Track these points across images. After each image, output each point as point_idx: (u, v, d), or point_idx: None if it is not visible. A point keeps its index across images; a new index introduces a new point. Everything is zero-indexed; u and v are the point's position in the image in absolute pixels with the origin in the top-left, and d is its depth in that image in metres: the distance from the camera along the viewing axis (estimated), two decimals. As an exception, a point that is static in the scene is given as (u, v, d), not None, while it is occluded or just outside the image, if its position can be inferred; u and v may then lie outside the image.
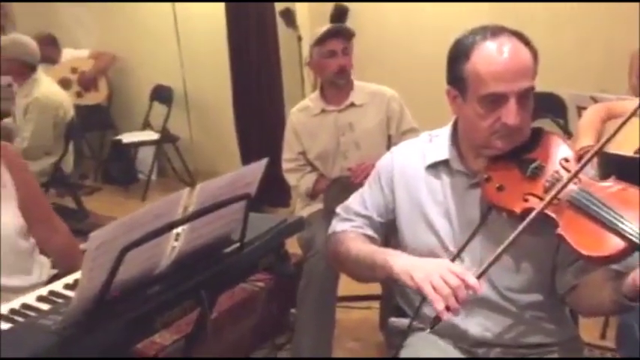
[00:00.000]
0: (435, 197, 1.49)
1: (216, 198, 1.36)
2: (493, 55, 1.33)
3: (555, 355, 1.48)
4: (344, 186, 2.48)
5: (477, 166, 1.45)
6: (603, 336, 2.62)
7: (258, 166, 1.46)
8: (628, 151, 2.17)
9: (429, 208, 1.49)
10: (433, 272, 1.27)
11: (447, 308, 1.24)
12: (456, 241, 1.46)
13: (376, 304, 2.90)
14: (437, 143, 1.53)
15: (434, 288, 1.25)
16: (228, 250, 1.54)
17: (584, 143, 2.23)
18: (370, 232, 1.58)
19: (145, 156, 5.32)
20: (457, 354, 1.49)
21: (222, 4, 4.20)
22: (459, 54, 1.39)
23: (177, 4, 4.98)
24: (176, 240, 1.38)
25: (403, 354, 1.52)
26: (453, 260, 1.44)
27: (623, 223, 1.19)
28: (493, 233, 1.40)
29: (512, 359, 1.46)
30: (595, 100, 2.56)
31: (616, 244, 1.19)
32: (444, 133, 1.53)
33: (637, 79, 3.08)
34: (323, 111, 2.69)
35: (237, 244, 1.55)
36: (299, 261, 2.73)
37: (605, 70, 3.45)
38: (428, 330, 1.36)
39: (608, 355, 2.54)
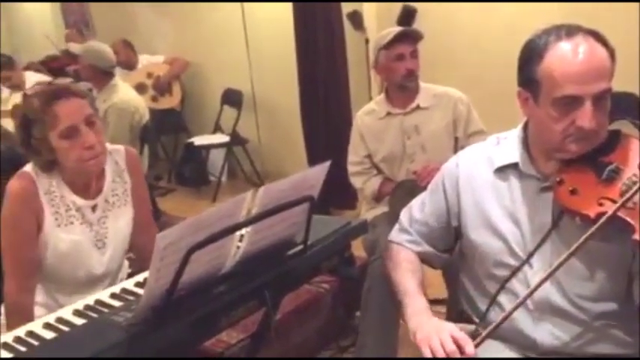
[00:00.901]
0: (503, 201, 1.46)
1: (279, 200, 1.39)
2: (568, 56, 1.29)
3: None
4: (409, 189, 2.46)
5: (549, 169, 1.41)
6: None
7: (322, 169, 1.48)
8: None
9: (496, 213, 1.46)
10: (433, 334, 1.30)
11: None
12: (525, 246, 1.42)
13: (442, 309, 2.84)
14: (505, 146, 1.49)
15: (430, 349, 1.28)
16: (291, 252, 1.57)
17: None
18: (423, 248, 1.59)
19: (216, 158, 5.45)
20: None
21: (289, 7, 4.25)
22: (531, 55, 1.35)
23: (246, 7, 5.08)
24: (240, 241, 1.41)
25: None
26: (521, 266, 1.42)
27: None
28: (565, 238, 1.36)
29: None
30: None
31: None
32: (513, 135, 1.50)
33: None
34: (389, 114, 2.68)
35: (301, 246, 1.57)
36: (364, 263, 2.73)
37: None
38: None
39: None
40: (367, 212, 2.75)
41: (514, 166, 1.45)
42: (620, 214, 1.24)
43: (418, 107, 2.65)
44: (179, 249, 1.19)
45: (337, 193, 3.79)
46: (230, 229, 1.28)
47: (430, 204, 1.59)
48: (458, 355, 1.26)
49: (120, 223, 1.85)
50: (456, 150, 2.63)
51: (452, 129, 2.65)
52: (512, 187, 1.45)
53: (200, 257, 1.24)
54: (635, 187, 1.24)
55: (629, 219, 1.24)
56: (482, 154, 1.53)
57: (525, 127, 1.48)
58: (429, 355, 1.28)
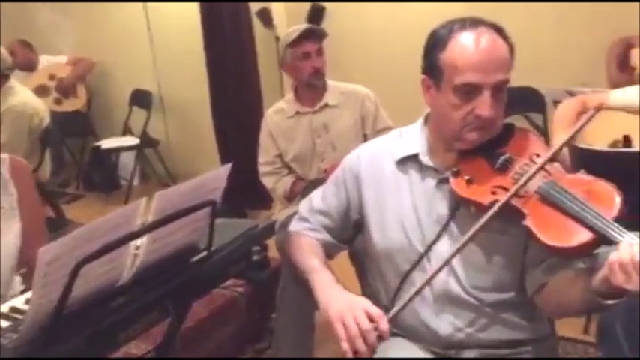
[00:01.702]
0: (403, 194, 1.47)
1: (178, 206, 1.33)
2: (470, 45, 1.32)
3: (528, 355, 1.45)
4: None
5: (448, 161, 1.43)
6: (586, 331, 2.61)
7: (223, 171, 1.44)
8: (602, 145, 2.17)
9: (397, 206, 1.47)
10: (347, 312, 1.28)
11: (355, 350, 1.24)
12: (424, 238, 1.44)
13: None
14: (406, 139, 1.51)
15: (344, 327, 1.25)
16: (195, 258, 1.51)
17: (558, 139, 2.21)
18: (323, 236, 1.58)
19: (127, 162, 5.27)
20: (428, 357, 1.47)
21: (195, 5, 4.16)
22: (435, 43, 1.37)
23: (150, 5, 4.94)
24: (138, 250, 1.35)
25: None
26: (420, 259, 1.44)
27: (590, 214, 1.18)
28: (463, 230, 1.37)
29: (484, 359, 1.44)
30: (571, 94, 2.55)
31: (582, 235, 1.18)
32: (414, 128, 1.52)
33: (614, 72, 3.08)
34: (297, 113, 2.66)
35: (205, 253, 1.52)
36: (278, 265, 2.71)
37: (586, 64, 3.43)
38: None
39: (591, 350, 2.53)
40: (279, 212, 2.73)
41: (414, 159, 1.47)
42: (512, 202, 1.27)
43: (327, 105, 2.65)
44: (66, 263, 1.11)
45: (252, 193, 3.74)
46: (123, 239, 1.21)
47: (331, 196, 1.58)
48: (373, 333, 1.25)
49: (7, 237, 1.73)
50: (365, 147, 2.65)
51: (360, 126, 2.66)
52: (412, 180, 1.47)
53: (92, 270, 1.17)
54: (525, 177, 1.27)
55: (520, 206, 1.27)
56: (384, 147, 1.54)
57: (426, 120, 1.50)
58: (343, 334, 1.26)
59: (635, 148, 2.11)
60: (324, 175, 2.52)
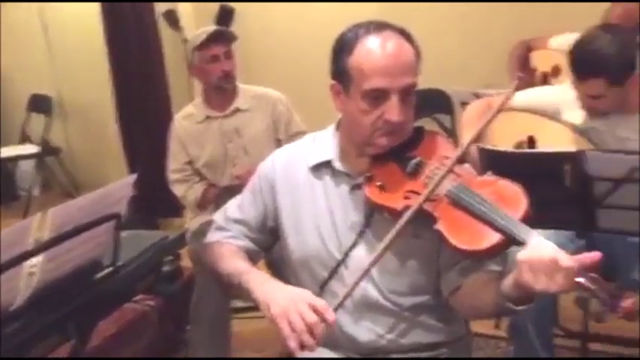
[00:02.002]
0: (318, 200, 1.45)
1: (77, 221, 1.24)
2: (376, 50, 1.31)
3: (445, 356, 1.46)
4: (235, 194, 2.36)
5: (360, 166, 1.41)
6: (497, 326, 2.68)
7: (127, 183, 1.36)
8: (508, 146, 2.22)
9: (313, 212, 1.45)
10: (291, 307, 1.22)
11: (302, 346, 1.20)
12: (341, 245, 1.42)
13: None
14: (320, 144, 1.49)
15: (289, 323, 1.21)
16: (100, 275, 1.42)
17: (465, 140, 2.26)
18: (244, 242, 1.53)
19: (26, 171, 4.97)
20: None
21: (95, 6, 3.97)
22: (342, 47, 1.35)
23: (46, 7, 4.69)
24: (33, 269, 1.24)
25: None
26: (337, 266, 1.41)
27: (498, 216, 1.19)
28: (378, 236, 1.36)
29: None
30: (477, 96, 2.62)
31: (492, 237, 1.18)
32: (327, 133, 1.50)
33: (516, 75, 3.18)
34: (207, 117, 2.59)
35: (111, 268, 1.43)
36: (192, 274, 2.62)
37: (490, 66, 3.55)
38: None
39: (502, 344, 2.60)
40: (192, 221, 2.64)
41: (328, 165, 1.45)
42: (424, 206, 1.27)
43: (237, 110, 2.59)
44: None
45: (163, 201, 3.60)
46: (14, 260, 1.11)
47: (248, 205, 1.54)
48: (320, 325, 1.21)
49: None
50: (278, 152, 2.61)
51: (273, 131, 2.62)
52: (327, 186, 1.45)
53: (-22, 295, 1.06)
54: (435, 180, 1.27)
55: (431, 210, 1.27)
56: (298, 153, 1.51)
57: (339, 125, 1.48)
58: (288, 331, 1.20)
59: (539, 149, 2.18)
60: (236, 181, 2.45)
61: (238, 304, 2.63)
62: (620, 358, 2.43)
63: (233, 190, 2.44)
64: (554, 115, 2.19)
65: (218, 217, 1.61)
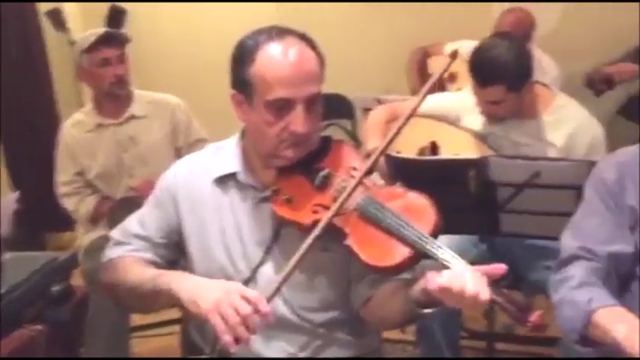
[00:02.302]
0: (225, 214, 1.38)
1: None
2: (279, 58, 1.25)
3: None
4: (131, 207, 2.20)
5: (267, 178, 1.36)
6: (403, 330, 2.69)
7: (7, 203, 1.21)
8: (411, 152, 2.24)
9: (219, 227, 1.38)
10: (222, 300, 1.16)
11: (237, 339, 1.14)
12: (248, 261, 1.36)
13: (177, 329, 2.70)
14: (223, 155, 1.41)
15: (222, 317, 1.14)
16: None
17: (372, 145, 2.27)
18: (150, 256, 1.42)
19: None
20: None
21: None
22: (242, 56, 1.28)
23: None
24: None
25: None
26: (246, 283, 1.34)
27: (407, 230, 1.17)
28: (288, 251, 1.30)
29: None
30: (380, 102, 2.62)
31: (402, 252, 1.17)
32: (231, 143, 1.42)
33: (415, 80, 3.25)
34: (99, 125, 2.44)
35: (-9, 298, 1.28)
36: (85, 294, 2.44)
37: (390, 72, 3.59)
38: None
39: (409, 348, 2.62)
40: (84, 236, 2.49)
41: (233, 177, 1.38)
42: (333, 220, 1.23)
43: (133, 116, 2.46)
44: None
45: (51, 214, 3.35)
46: None
47: (150, 219, 1.44)
48: (254, 317, 1.14)
49: None
50: (179, 160, 2.50)
51: (172, 138, 2.51)
52: (233, 200, 1.38)
53: None
54: (344, 195, 1.24)
55: (341, 225, 1.24)
56: (201, 164, 1.43)
57: (243, 135, 1.41)
58: (222, 326, 1.13)
59: (442, 155, 2.21)
60: (134, 193, 2.32)
61: (137, 322, 2.49)
62: (526, 358, 2.52)
63: (130, 203, 2.34)
64: (454, 121, 2.24)
65: (116, 233, 1.48)
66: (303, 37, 1.30)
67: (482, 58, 1.91)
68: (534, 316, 1.07)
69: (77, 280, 2.56)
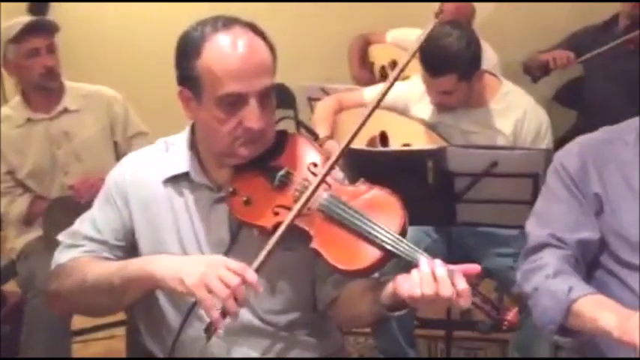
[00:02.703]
0: (178, 215, 1.30)
1: None
2: (227, 51, 1.17)
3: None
4: (67, 207, 2.14)
5: (222, 177, 1.29)
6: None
7: None
8: (360, 142, 2.21)
9: (173, 230, 1.30)
10: (209, 273, 1.09)
11: (224, 314, 1.09)
12: None
13: (121, 331, 2.58)
14: (174, 153, 1.32)
15: (210, 291, 1.08)
16: None
17: (321, 135, 2.22)
18: (107, 255, 1.32)
19: None
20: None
21: None
22: (188, 49, 1.20)
23: None
24: None
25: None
26: None
27: (376, 230, 1.13)
28: (247, 253, 1.23)
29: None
30: (325, 91, 2.58)
31: (372, 254, 1.13)
32: (181, 140, 1.34)
33: (356, 68, 3.22)
34: (29, 120, 2.28)
35: None
36: (19, 302, 2.29)
37: (328, 60, 3.54)
38: None
39: (361, 339, 2.60)
40: (17, 240, 2.31)
41: (186, 176, 1.30)
42: (296, 222, 1.18)
43: (66, 110, 2.32)
44: None
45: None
46: None
47: (103, 220, 1.33)
48: (242, 288, 1.08)
49: None
50: (117, 156, 2.38)
51: (109, 133, 2.38)
52: (187, 200, 1.30)
53: None
54: (306, 195, 1.18)
55: (305, 227, 1.18)
56: (151, 161, 1.34)
57: (193, 131, 1.33)
58: (209, 301, 1.07)
59: (393, 145, 2.19)
60: (70, 192, 2.18)
61: (77, 325, 2.37)
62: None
63: (66, 203, 2.21)
64: (403, 111, 2.22)
65: (65, 237, 1.36)
66: (252, 27, 1.23)
67: (434, 47, 1.89)
68: (510, 315, 1.06)
69: (10, 286, 2.42)
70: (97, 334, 2.64)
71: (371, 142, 2.24)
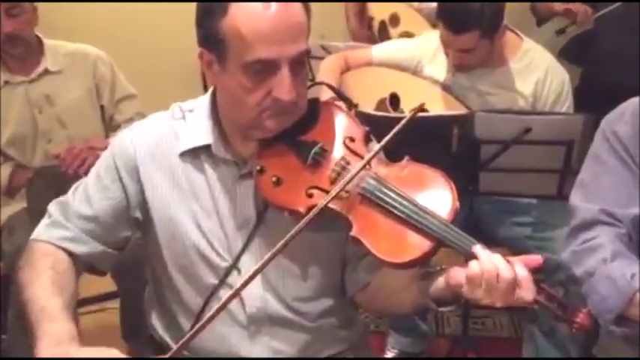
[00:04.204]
0: (198, 191, 1.16)
1: None
2: (258, 9, 1.01)
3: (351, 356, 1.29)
4: (52, 177, 2.01)
5: (247, 151, 1.15)
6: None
7: None
8: (369, 104, 2.07)
9: (191, 207, 1.17)
10: None
11: None
12: (229, 246, 1.16)
13: (113, 304, 2.46)
14: (193, 122, 1.17)
15: None
16: None
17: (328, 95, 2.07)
18: (87, 248, 1.18)
19: None
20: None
21: None
22: (212, 5, 1.04)
23: None
24: None
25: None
26: (228, 271, 1.16)
27: (426, 218, 0.99)
28: (274, 234, 1.12)
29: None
30: (325, 49, 2.41)
31: (421, 244, 0.99)
32: (201, 108, 1.18)
33: (354, 24, 3.06)
34: (7, 83, 2.09)
35: None
36: (5, 277, 2.15)
37: (323, 16, 3.35)
38: None
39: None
40: (-2, 212, 2.16)
41: (206, 148, 1.16)
42: (332, 205, 1.04)
43: (47, 72, 2.13)
44: None
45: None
46: None
47: (98, 196, 1.19)
48: None
49: None
50: (104, 121, 2.23)
51: (95, 96, 2.20)
52: (207, 175, 1.17)
53: None
54: (347, 178, 1.04)
55: (343, 212, 1.05)
56: (166, 133, 1.19)
57: (214, 96, 1.18)
58: None
59: (405, 108, 2.04)
60: (55, 160, 2.03)
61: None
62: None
63: (51, 173, 2.05)
64: (415, 71, 2.08)
65: (56, 208, 1.22)
66: None
67: (455, 4, 1.73)
68: (581, 316, 0.93)
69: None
70: (88, 308, 2.52)
71: (380, 104, 2.09)
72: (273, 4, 1.02)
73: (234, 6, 1.02)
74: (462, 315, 2.00)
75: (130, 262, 1.43)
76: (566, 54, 3.09)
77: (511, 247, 1.94)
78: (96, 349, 0.99)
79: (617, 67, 2.59)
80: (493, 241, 1.94)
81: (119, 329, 2.33)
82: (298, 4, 1.05)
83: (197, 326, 0.99)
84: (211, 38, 1.05)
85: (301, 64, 1.08)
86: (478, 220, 2.00)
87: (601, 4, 2.69)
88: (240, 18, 1.01)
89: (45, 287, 1.08)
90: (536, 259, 0.96)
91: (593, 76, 2.84)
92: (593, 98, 2.19)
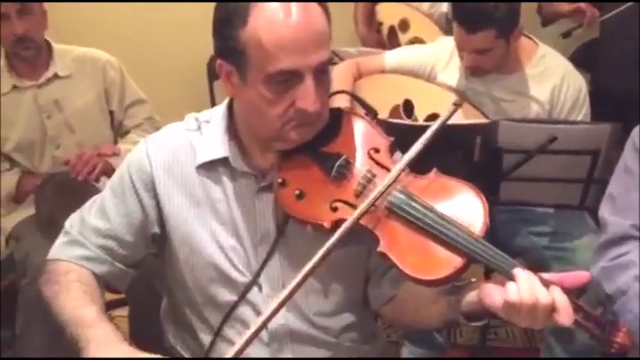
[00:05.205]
0: (216, 205, 1.14)
1: None
2: (279, 18, 0.98)
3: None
4: (62, 184, 1.98)
5: (266, 163, 1.12)
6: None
7: None
8: (383, 111, 2.04)
9: (206, 220, 1.14)
10: None
11: None
12: (248, 261, 1.14)
13: (122, 312, 2.43)
14: (209, 133, 1.15)
15: None
16: None
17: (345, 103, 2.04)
18: (105, 268, 1.16)
19: None
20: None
21: None
22: (230, 16, 1.01)
23: None
24: None
25: None
26: (248, 288, 1.14)
27: (457, 234, 0.96)
28: (295, 248, 1.11)
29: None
30: (337, 55, 2.38)
31: (451, 261, 0.96)
32: (216, 119, 1.16)
33: (363, 29, 3.04)
34: (15, 88, 2.07)
35: None
36: (11, 285, 2.12)
37: (332, 20, 3.33)
38: None
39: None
40: (6, 219, 2.14)
41: (224, 161, 1.13)
42: (360, 220, 1.01)
43: (56, 76, 2.12)
44: None
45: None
46: None
47: (114, 211, 1.17)
48: None
49: None
50: (113, 126, 2.21)
51: (104, 101, 2.19)
52: (225, 188, 1.14)
53: None
54: (375, 193, 1.01)
55: (370, 227, 1.02)
56: (182, 142, 1.16)
57: (231, 106, 1.15)
58: None
59: (419, 116, 2.02)
60: (65, 167, 2.01)
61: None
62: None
63: (60, 179, 2.03)
64: (429, 77, 2.05)
65: (72, 224, 1.20)
66: None
67: (470, 2, 1.71)
68: (620, 336, 0.90)
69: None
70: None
71: (394, 110, 2.06)
72: (294, 11, 0.99)
73: (253, 15, 0.99)
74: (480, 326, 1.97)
75: (139, 272, 1.42)
76: (578, 59, 3.08)
77: (528, 257, 1.91)
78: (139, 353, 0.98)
79: (622, 73, 2.59)
80: (510, 251, 1.89)
81: (128, 337, 2.30)
82: (318, 10, 1.02)
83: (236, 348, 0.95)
84: (230, 49, 1.02)
85: (324, 73, 1.05)
86: (494, 230, 1.97)
87: (607, 5, 2.68)
88: (261, 28, 0.98)
89: (76, 298, 1.09)
90: (584, 275, 0.93)
91: (603, 83, 2.82)
92: (604, 104, 2.19)
